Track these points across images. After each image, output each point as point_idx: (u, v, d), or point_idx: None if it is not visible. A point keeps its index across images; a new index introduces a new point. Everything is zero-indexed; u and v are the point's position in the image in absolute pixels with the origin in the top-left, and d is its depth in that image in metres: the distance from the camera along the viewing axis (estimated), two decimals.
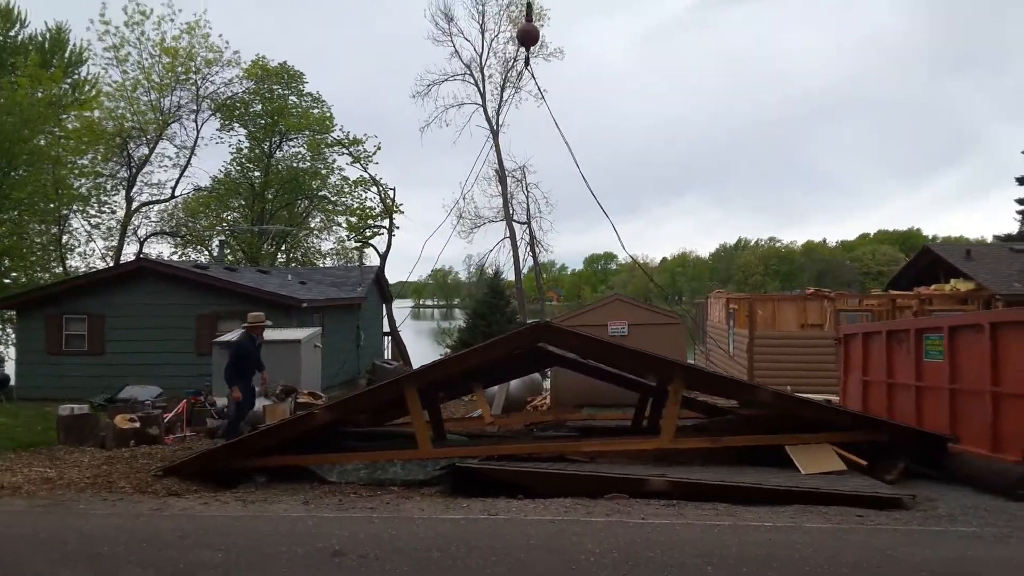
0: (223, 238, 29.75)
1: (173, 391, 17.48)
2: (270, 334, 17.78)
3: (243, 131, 35.97)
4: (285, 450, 8.86)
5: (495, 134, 36.47)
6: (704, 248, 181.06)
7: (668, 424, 8.45)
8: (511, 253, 36.16)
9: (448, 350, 30.43)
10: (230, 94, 34.05)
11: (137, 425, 11.35)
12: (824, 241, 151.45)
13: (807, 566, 4.84)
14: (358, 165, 34.66)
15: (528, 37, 10.96)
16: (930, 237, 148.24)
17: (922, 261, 23.45)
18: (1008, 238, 33.97)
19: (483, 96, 37.13)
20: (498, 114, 37.07)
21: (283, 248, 39.12)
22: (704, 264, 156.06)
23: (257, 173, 37.35)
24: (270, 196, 37.60)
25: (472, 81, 37.40)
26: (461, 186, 69.70)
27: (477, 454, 8.48)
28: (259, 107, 35.76)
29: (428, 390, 9.64)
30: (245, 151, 36.62)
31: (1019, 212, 36.31)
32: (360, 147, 34.65)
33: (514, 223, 35.83)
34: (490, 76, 37.50)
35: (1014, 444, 7.96)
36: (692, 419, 10.60)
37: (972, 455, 8.15)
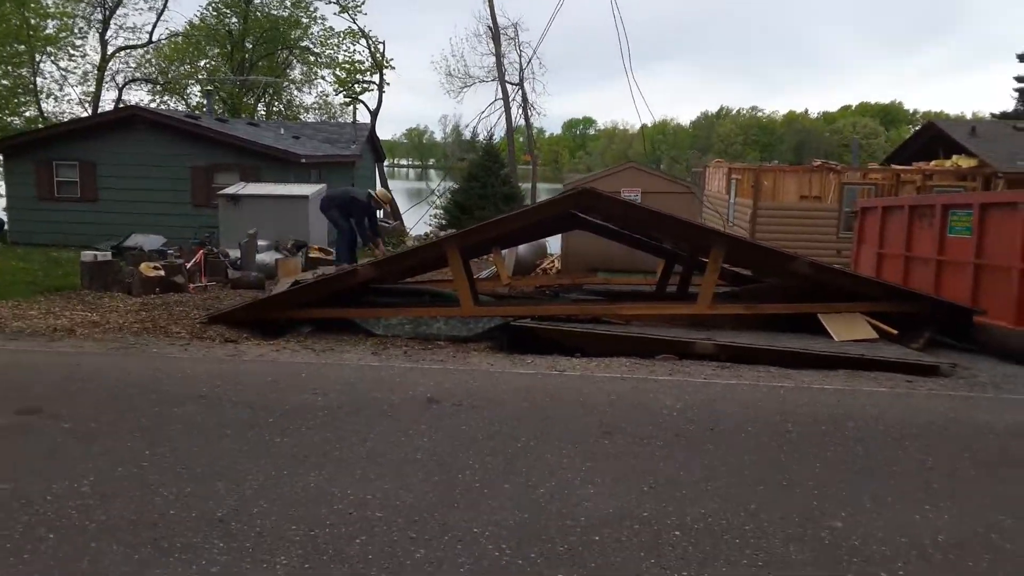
0: (210, 88, 28.53)
1: (174, 241, 17.39)
2: (277, 188, 17.54)
3: None
4: (325, 304, 8.99)
5: None
6: (685, 116, 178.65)
7: (706, 290, 8.64)
8: (502, 114, 35.32)
9: (440, 211, 30.35)
10: None
11: (162, 273, 11.35)
12: (806, 112, 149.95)
13: (880, 425, 5.16)
14: (346, 15, 32.96)
15: None
16: (911, 111, 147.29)
17: (924, 136, 23.45)
18: (1004, 116, 33.95)
19: None
20: None
21: (265, 101, 37.80)
22: (685, 132, 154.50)
23: (235, 20, 35.41)
24: (249, 45, 35.86)
25: None
26: (451, 42, 66.96)
27: (518, 313, 8.66)
28: None
29: (463, 251, 9.69)
30: None
31: (1016, 90, 36.08)
32: None
33: (507, 84, 34.76)
34: None
35: None
36: (720, 287, 10.86)
37: (996, 327, 8.52)
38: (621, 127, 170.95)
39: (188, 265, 12.63)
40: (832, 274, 8.81)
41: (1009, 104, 36.13)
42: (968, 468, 4.42)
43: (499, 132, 35.00)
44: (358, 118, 31.32)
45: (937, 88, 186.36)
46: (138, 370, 5.94)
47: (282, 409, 5.00)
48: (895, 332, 8.42)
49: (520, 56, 34.93)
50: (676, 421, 5.10)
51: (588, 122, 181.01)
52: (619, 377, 6.27)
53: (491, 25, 34.23)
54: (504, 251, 16.14)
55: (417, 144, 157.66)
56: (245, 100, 34.79)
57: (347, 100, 34.42)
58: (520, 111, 35.10)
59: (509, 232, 9.12)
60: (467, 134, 37.84)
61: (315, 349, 7.16)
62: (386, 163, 35.64)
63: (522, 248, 16.38)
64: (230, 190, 17.13)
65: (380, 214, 13.81)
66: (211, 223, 18.32)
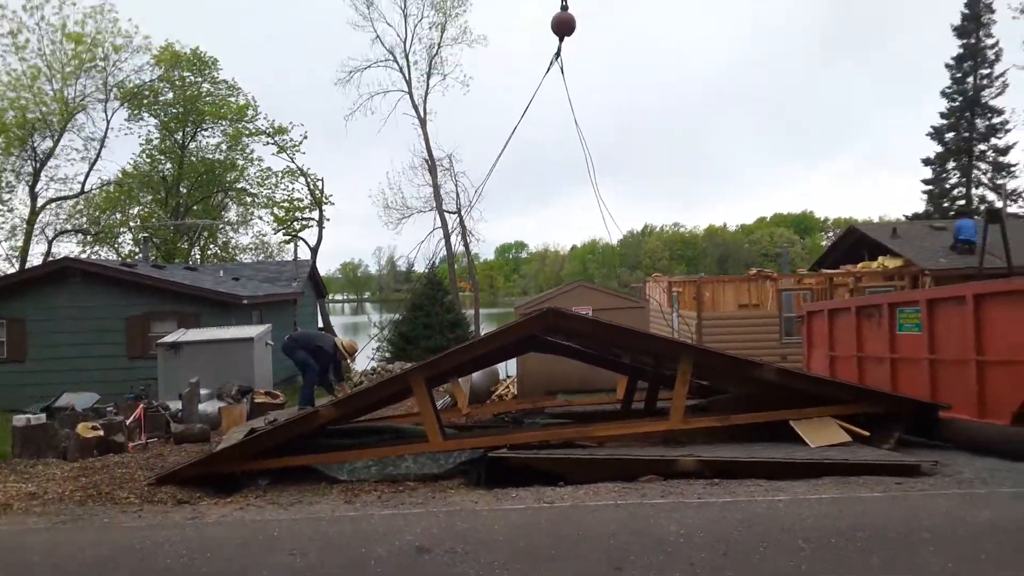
0: (145, 234, 28.18)
1: (108, 397, 16.50)
2: (219, 333, 17.03)
3: (153, 121, 34.18)
4: (283, 452, 8.52)
5: (423, 122, 36.03)
6: (613, 235, 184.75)
7: (677, 404, 8.55)
8: (441, 242, 35.86)
9: (383, 343, 29.98)
10: (140, 82, 32.26)
11: (101, 433, 10.64)
12: (725, 225, 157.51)
13: (890, 533, 5.00)
14: (284, 155, 33.53)
15: (565, 26, 10.46)
16: (823, 219, 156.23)
17: (848, 240, 24.66)
18: (916, 217, 36.20)
19: (408, 83, 36.59)
20: (425, 101, 36.62)
21: (200, 244, 37.52)
22: (613, 250, 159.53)
23: (169, 166, 35.61)
24: (184, 190, 35.94)
25: (396, 67, 36.78)
26: (388, 176, 69.04)
27: (491, 444, 8.36)
28: (170, 95, 34.04)
29: (426, 383, 9.44)
30: (156, 142, 34.84)
31: (925, 192, 38.70)
32: (286, 136, 33.52)
33: (445, 213, 35.51)
34: (415, 62, 36.98)
35: (1003, 409, 8.49)
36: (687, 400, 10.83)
37: (961, 421, 8.62)
38: (553, 249, 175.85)
39: (128, 422, 11.93)
40: (798, 379, 8.85)
41: (920, 206, 38.74)
42: (993, 569, 4.27)
43: (438, 260, 35.40)
44: (298, 255, 31.28)
45: (844, 196, 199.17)
46: (94, 545, 5.37)
47: None
48: (867, 434, 8.41)
49: (456, 186, 35.93)
50: (684, 549, 4.84)
51: (520, 246, 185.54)
52: (612, 504, 5.99)
53: (427, 158, 35.29)
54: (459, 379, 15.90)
55: (352, 278, 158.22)
56: (180, 245, 34.45)
57: (287, 238, 34.46)
58: (459, 238, 35.69)
59: (475, 358, 8.95)
60: (403, 265, 38.10)
61: (281, 503, 6.67)
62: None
63: (476, 375, 16.13)
64: (169, 338, 16.55)
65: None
66: (148, 375, 17.57)
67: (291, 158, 34.21)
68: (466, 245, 36.05)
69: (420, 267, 36.79)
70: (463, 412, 12.68)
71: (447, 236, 35.59)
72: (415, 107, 36.39)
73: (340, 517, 5.89)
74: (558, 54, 10.99)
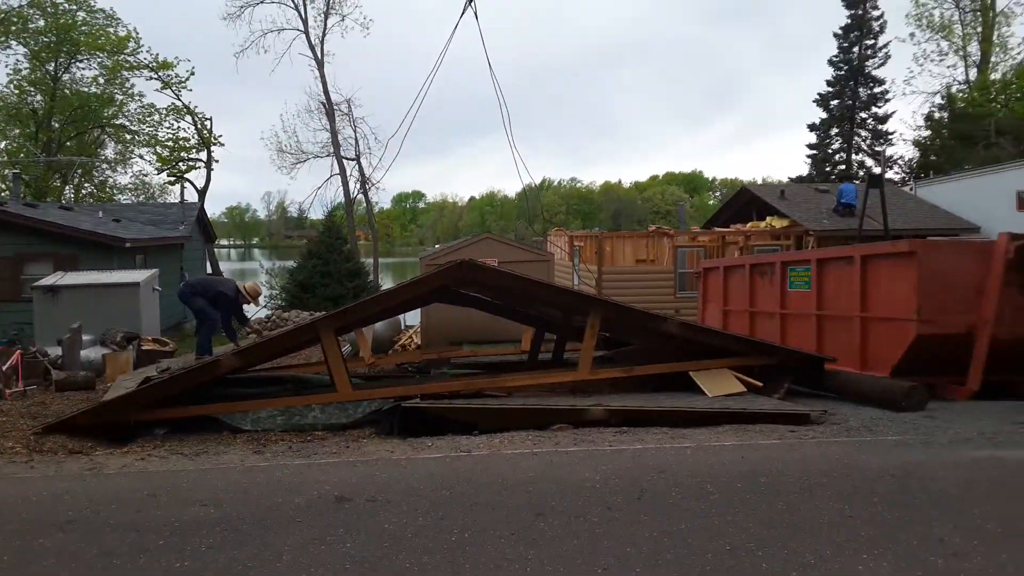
0: (15, 171, 25.94)
1: None
2: (102, 277, 16.03)
3: (22, 49, 31.25)
4: (182, 401, 8.19)
5: (320, 64, 34.62)
6: (511, 188, 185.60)
7: (586, 356, 8.76)
8: (339, 189, 34.89)
9: (278, 291, 29.09)
10: (6, 6, 29.35)
11: None
12: (620, 182, 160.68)
13: (787, 477, 5.33)
14: (169, 91, 31.47)
15: None
16: (711, 179, 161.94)
17: (740, 200, 25.68)
18: (800, 179, 38.06)
19: (305, 22, 34.92)
20: (322, 42, 35.12)
21: (73, 183, 34.97)
22: (511, 203, 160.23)
23: (40, 98, 32.79)
24: (56, 125, 33.26)
25: (292, 5, 34.99)
26: (282, 119, 66.07)
27: (401, 394, 8.31)
28: (41, 23, 31.15)
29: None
30: (25, 73, 31.91)
31: (809, 156, 40.68)
32: (171, 72, 31.39)
33: (343, 159, 34.48)
34: (312, 0, 35.28)
35: (882, 363, 9.14)
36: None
37: (846, 373, 9.24)
38: (451, 199, 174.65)
39: (4, 368, 11.12)
40: (699, 332, 9.22)
41: (804, 169, 40.73)
42: (883, 512, 4.62)
43: (330, 206, 34.42)
44: (185, 197, 29.65)
45: (732, 156, 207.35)
46: None
47: (172, 528, 4.37)
48: (760, 384, 8.90)
49: (355, 131, 34.86)
50: (602, 493, 4.99)
51: (418, 196, 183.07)
52: (529, 452, 6.09)
53: (324, 102, 34.00)
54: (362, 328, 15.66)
55: (239, 223, 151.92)
56: (52, 183, 31.95)
57: (172, 179, 32.56)
58: (358, 186, 34.80)
59: (385, 308, 8.81)
60: (294, 211, 36.92)
61: (185, 453, 6.41)
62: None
63: (379, 325, 15.94)
64: (46, 281, 15.45)
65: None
66: (22, 319, 16.41)
67: (176, 95, 32.22)
68: (365, 193, 35.28)
69: (315, 214, 35.78)
70: (367, 362, 12.57)
71: (345, 183, 34.64)
72: (312, 48, 34.87)
73: (252, 467, 5.72)
74: (470, 1, 10.77)
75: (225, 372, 8.27)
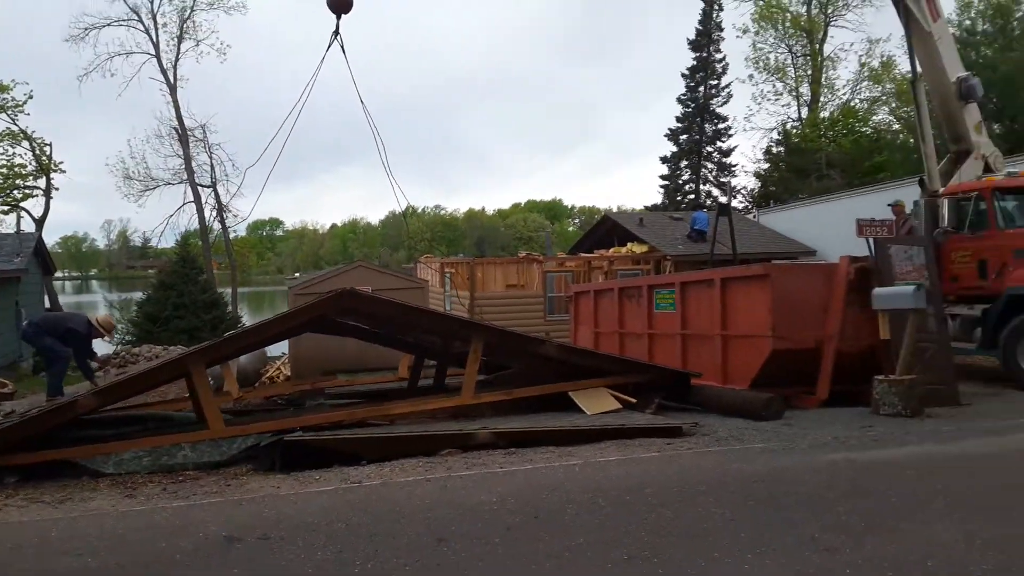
0: None
1: None
2: None
3: None
4: (35, 445, 7.53)
5: (173, 89, 33.07)
6: (374, 215, 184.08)
7: (469, 381, 8.85)
8: (193, 217, 33.29)
9: (124, 325, 27.23)
10: None
11: None
12: (483, 209, 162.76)
13: (671, 487, 5.62)
14: (4, 116, 28.98)
15: (341, 4, 10.10)
16: (570, 207, 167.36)
17: (602, 227, 26.75)
18: (655, 208, 40.17)
19: (157, 47, 33.31)
20: (175, 67, 33.61)
21: None
22: (375, 230, 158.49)
23: None
24: None
25: (142, 28, 33.31)
26: (130, 144, 62.24)
27: (275, 428, 8.03)
28: None
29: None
30: None
31: (662, 187, 43.09)
32: (6, 95, 28.98)
33: (199, 186, 32.95)
34: (164, 24, 33.76)
35: (742, 376, 9.80)
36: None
37: (710, 387, 9.83)
38: (312, 226, 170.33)
39: None
40: (576, 354, 9.54)
41: (658, 198, 43.21)
42: (760, 515, 4.97)
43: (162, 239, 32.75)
44: (21, 227, 27.28)
45: (589, 186, 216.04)
46: None
47: None
48: (634, 400, 9.30)
49: (211, 157, 33.43)
50: (500, 515, 5.06)
51: (276, 223, 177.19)
52: (422, 479, 6.07)
53: (177, 127, 32.45)
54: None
55: (74, 253, 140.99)
56: None
57: (6, 208, 29.89)
58: (214, 213, 33.34)
59: (263, 340, 8.52)
60: (137, 239, 35.06)
61: (46, 501, 5.90)
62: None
63: (243, 357, 15.28)
64: None
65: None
66: None
67: (12, 119, 29.73)
68: (222, 222, 33.84)
69: (167, 243, 33.95)
70: (234, 396, 12.02)
71: (200, 211, 33.12)
72: (164, 72, 33.29)
73: (127, 512, 5.36)
74: (336, 32, 10.71)
75: (82, 413, 7.70)
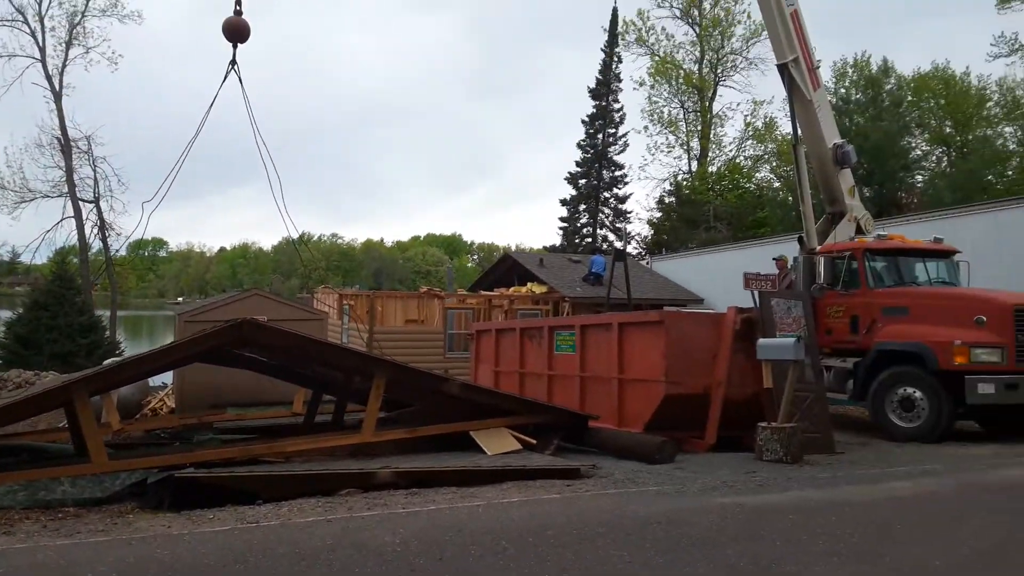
0: None
1: None
2: None
3: None
4: None
5: (58, 96, 31.42)
6: (266, 240, 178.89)
7: (370, 418, 8.78)
8: (72, 234, 31.47)
9: None
10: None
11: None
12: (382, 240, 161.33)
13: (571, 529, 5.76)
14: None
15: (237, 33, 9.99)
16: (470, 242, 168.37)
17: (503, 265, 27.13)
18: (553, 249, 41.09)
19: (43, 51, 31.64)
20: (61, 73, 31.99)
21: None
22: (267, 256, 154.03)
23: None
24: None
25: (28, 31, 31.60)
26: (6, 152, 58.97)
27: (163, 464, 7.73)
28: None
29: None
30: None
31: (561, 228, 44.17)
32: None
33: (80, 201, 31.22)
34: (52, 28, 32.15)
35: (637, 420, 10.15)
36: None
37: (607, 430, 10.12)
38: (199, 249, 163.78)
39: None
40: (478, 393, 9.64)
41: (557, 239, 44.23)
42: (655, 556, 5.17)
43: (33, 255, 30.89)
44: None
45: (488, 222, 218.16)
46: None
47: None
48: (534, 441, 9.47)
49: (95, 171, 31.79)
50: (404, 556, 5.05)
51: (159, 243, 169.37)
52: (323, 520, 5.96)
53: (60, 137, 30.78)
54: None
55: None
56: None
57: None
58: (95, 230, 31.63)
59: (154, 369, 8.17)
60: (5, 254, 32.96)
61: None
62: None
63: (124, 388, 14.53)
64: None
65: None
66: None
67: None
68: (104, 240, 32.13)
69: (40, 259, 31.95)
70: (115, 428, 11.40)
71: (81, 227, 31.38)
72: (48, 78, 31.63)
73: (6, 551, 5.00)
74: (233, 62, 10.58)
75: None
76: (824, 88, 16.12)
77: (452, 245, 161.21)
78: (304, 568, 4.80)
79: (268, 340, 8.33)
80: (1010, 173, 36.74)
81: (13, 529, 5.76)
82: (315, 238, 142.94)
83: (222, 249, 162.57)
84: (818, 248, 14.01)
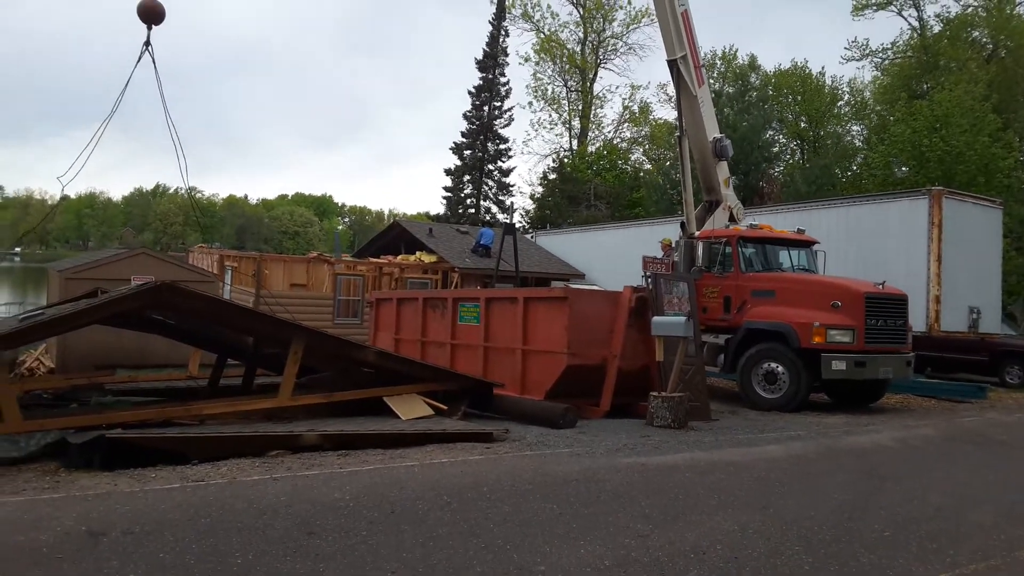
0: None
1: None
2: None
3: None
4: None
5: None
6: (116, 190, 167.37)
7: (287, 383, 8.97)
8: None
9: None
10: None
11: None
12: (246, 197, 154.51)
13: (503, 485, 6.38)
14: None
15: (152, 14, 9.67)
16: (340, 204, 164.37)
17: (391, 233, 27.18)
18: (438, 218, 41.32)
19: None
20: None
21: None
22: (117, 207, 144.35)
23: None
24: None
25: None
26: None
27: (78, 424, 7.69)
28: None
29: None
30: None
31: (444, 198, 44.43)
32: None
33: None
34: None
35: (539, 388, 10.89)
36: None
37: (510, 397, 10.79)
38: (39, 196, 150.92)
39: None
40: (392, 360, 10.03)
41: (440, 208, 44.60)
42: (581, 508, 5.88)
43: None
44: None
45: (359, 184, 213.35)
46: None
47: None
48: (445, 408, 9.99)
49: None
50: (358, 510, 5.48)
51: None
52: (269, 479, 6.25)
53: None
54: None
55: None
56: None
57: None
58: None
59: (65, 330, 8.00)
60: None
61: None
62: None
63: None
64: None
65: None
66: None
67: None
68: None
69: None
70: None
71: None
72: None
73: None
74: (147, 43, 10.26)
75: None
76: (708, 86, 17.34)
77: (322, 206, 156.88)
78: (268, 520, 5.14)
79: (188, 304, 8.33)
80: (855, 168, 40.52)
81: None
82: (171, 190, 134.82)
83: (66, 197, 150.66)
84: (697, 234, 15.21)
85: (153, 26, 10.00)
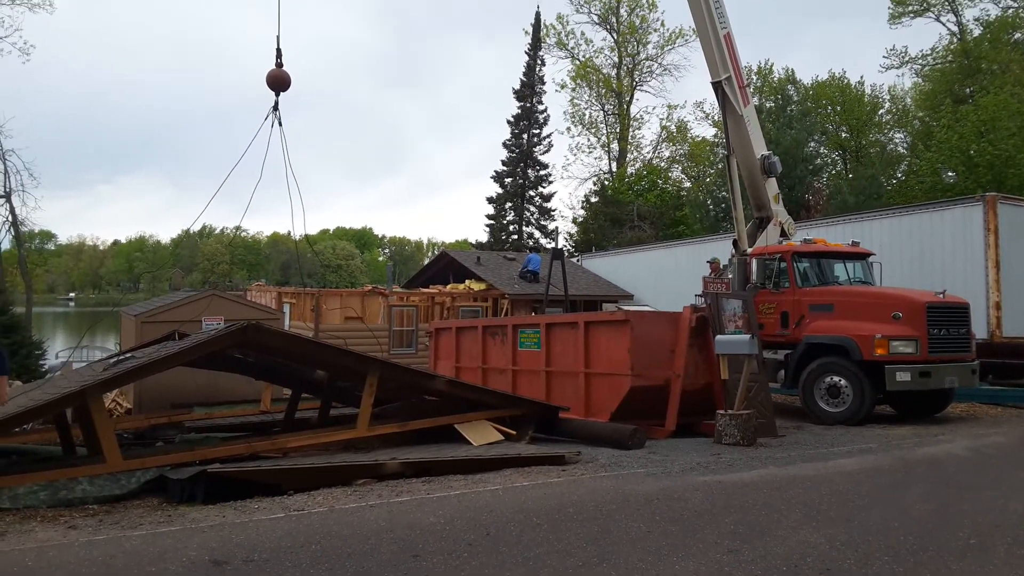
0: None
1: None
2: None
3: None
4: None
5: None
6: (164, 233, 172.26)
7: (364, 414, 9.31)
8: None
9: None
10: None
11: None
12: (289, 233, 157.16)
13: (588, 506, 6.57)
14: None
15: (280, 82, 10.17)
16: (380, 236, 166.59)
17: (440, 263, 27.68)
18: (481, 246, 41.86)
19: None
20: None
21: None
22: (165, 249, 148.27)
23: None
24: None
25: None
26: None
27: (175, 461, 8.11)
28: None
29: None
30: None
31: (487, 226, 45.02)
32: None
33: None
34: None
35: (603, 410, 11.06)
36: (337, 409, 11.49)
37: (576, 420, 10.98)
38: (91, 242, 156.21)
39: None
40: (463, 388, 10.31)
41: (484, 236, 45.19)
42: (667, 526, 6.04)
43: None
44: None
45: (396, 215, 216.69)
46: None
47: None
48: (514, 433, 10.22)
49: (5, 164, 30.28)
50: (455, 533, 5.73)
51: (47, 236, 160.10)
52: (365, 506, 6.54)
53: None
54: None
55: None
56: None
57: None
58: (8, 226, 30.20)
59: (159, 373, 8.46)
60: None
61: None
62: None
63: None
64: None
65: None
66: None
67: None
68: (17, 236, 30.67)
69: None
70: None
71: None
72: None
73: (91, 542, 5.37)
74: (275, 108, 10.56)
75: None
76: (753, 105, 17.49)
77: (363, 239, 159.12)
78: (373, 545, 5.41)
79: (270, 343, 8.74)
80: (900, 175, 40.07)
81: (79, 524, 6.07)
82: (217, 231, 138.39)
83: (116, 242, 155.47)
84: (749, 251, 15.28)
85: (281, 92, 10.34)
